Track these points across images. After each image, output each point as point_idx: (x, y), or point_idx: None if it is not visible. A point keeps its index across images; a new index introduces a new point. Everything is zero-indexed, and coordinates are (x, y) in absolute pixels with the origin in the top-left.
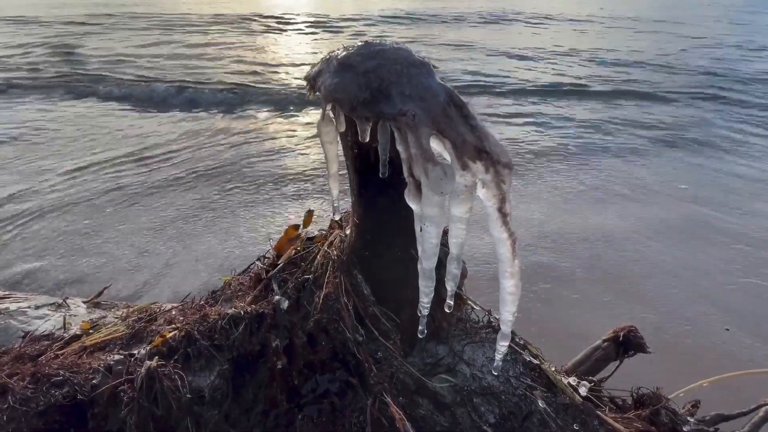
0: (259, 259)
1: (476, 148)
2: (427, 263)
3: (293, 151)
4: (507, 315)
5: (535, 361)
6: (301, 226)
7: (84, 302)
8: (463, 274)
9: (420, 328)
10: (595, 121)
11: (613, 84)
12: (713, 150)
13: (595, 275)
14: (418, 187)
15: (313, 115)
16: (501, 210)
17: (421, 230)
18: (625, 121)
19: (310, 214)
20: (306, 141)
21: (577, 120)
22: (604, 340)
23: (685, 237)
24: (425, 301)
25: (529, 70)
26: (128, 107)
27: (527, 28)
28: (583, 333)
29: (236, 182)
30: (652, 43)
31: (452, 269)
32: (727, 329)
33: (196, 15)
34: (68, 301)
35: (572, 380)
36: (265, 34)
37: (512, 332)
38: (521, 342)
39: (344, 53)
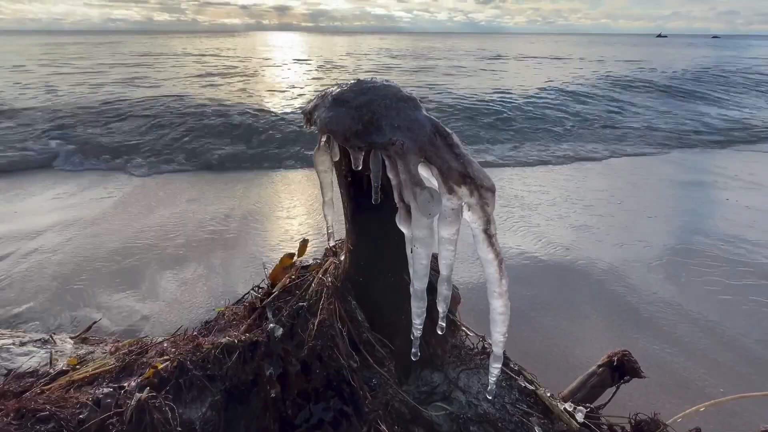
0: (253, 289)
1: (461, 174)
2: (418, 284)
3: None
4: (498, 336)
5: (531, 387)
6: (296, 255)
7: (71, 338)
8: (457, 300)
9: (413, 350)
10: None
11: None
12: (713, 180)
13: (591, 304)
14: (408, 211)
15: None
16: (487, 231)
17: (411, 251)
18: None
19: (304, 243)
20: None
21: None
22: (599, 366)
23: (681, 265)
24: (417, 322)
25: None
26: None
27: None
28: (579, 361)
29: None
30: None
31: (443, 290)
32: (721, 390)
33: None
34: (55, 337)
35: (568, 406)
36: None
37: (507, 358)
38: (516, 368)
39: (338, 90)
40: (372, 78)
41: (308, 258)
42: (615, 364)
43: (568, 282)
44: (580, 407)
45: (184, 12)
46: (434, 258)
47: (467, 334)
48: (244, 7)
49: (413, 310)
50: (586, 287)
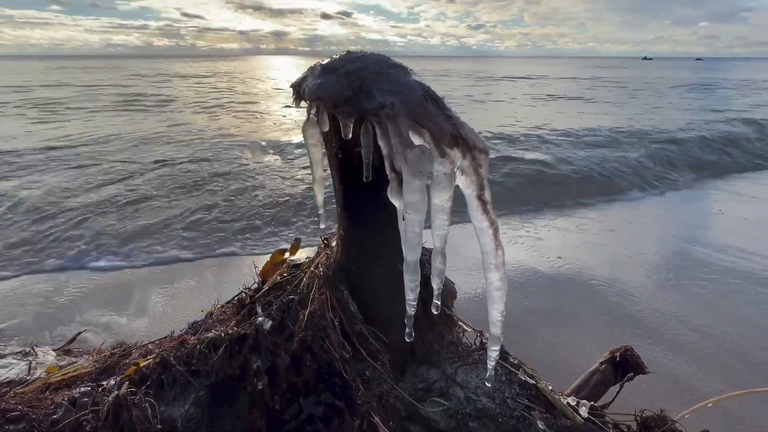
0: (244, 288)
1: (453, 135)
2: (410, 255)
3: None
4: (496, 314)
5: (531, 381)
6: (288, 255)
7: (54, 350)
8: (453, 295)
9: (407, 330)
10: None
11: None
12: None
13: (589, 313)
14: (400, 182)
15: None
16: (481, 197)
17: (404, 219)
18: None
19: (297, 242)
20: None
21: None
22: (602, 363)
23: (675, 272)
24: (411, 297)
25: None
26: None
27: None
28: (581, 368)
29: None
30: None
31: (437, 264)
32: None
33: None
34: (37, 349)
35: (571, 401)
36: None
37: (506, 352)
38: (516, 362)
39: (328, 60)
40: (362, 49)
41: (301, 258)
42: (618, 360)
43: (566, 291)
44: (584, 401)
45: (183, 38)
46: (426, 251)
47: (464, 330)
48: (242, 32)
49: (406, 284)
50: (586, 296)
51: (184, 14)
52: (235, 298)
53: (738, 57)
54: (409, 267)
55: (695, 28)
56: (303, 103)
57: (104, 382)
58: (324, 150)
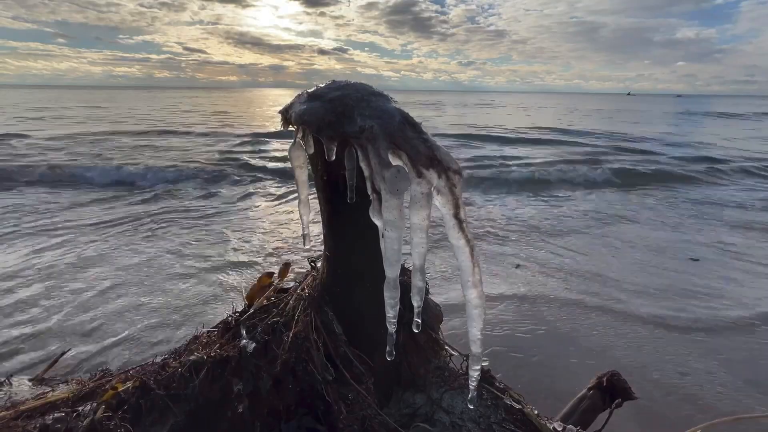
0: (230, 312)
1: (428, 157)
2: (390, 271)
3: None
4: (475, 332)
5: (517, 406)
6: (277, 279)
7: (29, 380)
8: (439, 318)
9: (388, 348)
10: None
11: None
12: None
13: (566, 341)
14: (380, 202)
15: None
16: (457, 216)
17: (383, 236)
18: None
19: (286, 266)
20: None
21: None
22: (589, 389)
23: (657, 296)
24: (391, 314)
25: None
26: None
27: None
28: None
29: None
30: None
31: (417, 282)
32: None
33: None
34: (12, 379)
35: (557, 425)
36: None
37: (492, 377)
38: (501, 386)
39: (313, 88)
40: (346, 79)
41: (290, 281)
42: (604, 385)
43: (545, 320)
44: (570, 427)
45: (184, 70)
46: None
47: (451, 355)
48: (241, 66)
49: (386, 301)
50: (564, 325)
51: (186, 48)
52: (221, 322)
53: (715, 94)
54: (389, 284)
55: (673, 67)
56: (291, 128)
57: (80, 408)
58: (309, 172)
